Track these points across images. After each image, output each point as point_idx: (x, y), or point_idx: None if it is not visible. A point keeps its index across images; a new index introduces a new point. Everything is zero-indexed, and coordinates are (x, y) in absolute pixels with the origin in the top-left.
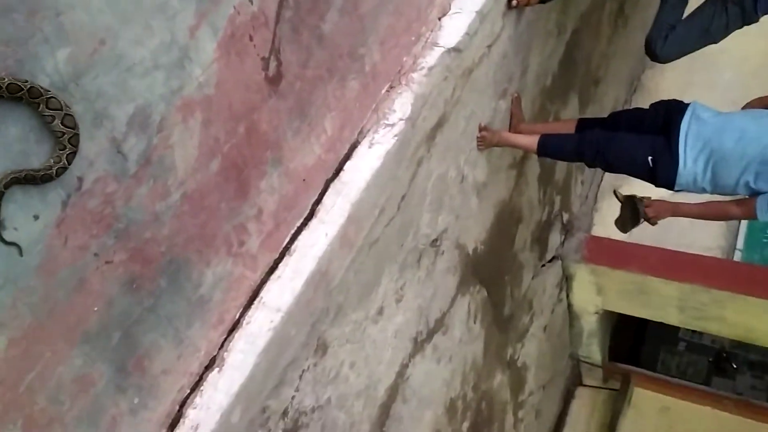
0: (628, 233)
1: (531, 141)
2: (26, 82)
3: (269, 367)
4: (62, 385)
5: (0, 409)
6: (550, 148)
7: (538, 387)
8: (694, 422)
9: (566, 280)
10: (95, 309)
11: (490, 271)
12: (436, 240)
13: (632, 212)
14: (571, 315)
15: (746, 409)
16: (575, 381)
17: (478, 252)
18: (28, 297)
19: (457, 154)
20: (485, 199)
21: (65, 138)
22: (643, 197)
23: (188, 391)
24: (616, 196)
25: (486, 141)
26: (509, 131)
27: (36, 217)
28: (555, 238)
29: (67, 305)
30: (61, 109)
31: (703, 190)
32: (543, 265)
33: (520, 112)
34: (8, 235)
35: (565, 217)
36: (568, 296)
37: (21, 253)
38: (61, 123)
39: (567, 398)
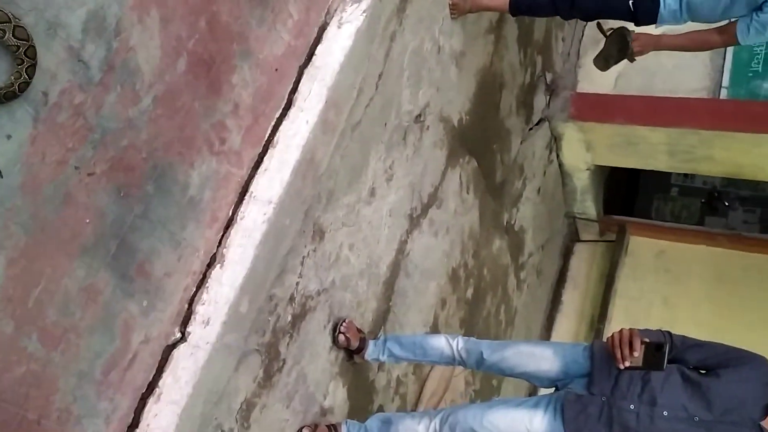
0: (607, 71)
1: (503, 0)
2: None
3: (269, 257)
4: (69, 296)
5: (13, 325)
6: (523, 4)
7: (537, 248)
8: (690, 260)
9: (555, 140)
10: (87, 221)
11: (478, 141)
12: (419, 115)
13: (619, 46)
14: (563, 174)
15: (739, 242)
16: (573, 238)
17: (464, 123)
18: (17, 216)
19: (430, 24)
20: (465, 68)
21: (21, 51)
22: (630, 30)
23: (194, 289)
24: (601, 31)
25: (459, 8)
26: None
27: (9, 137)
28: (540, 99)
29: (58, 220)
30: (9, 22)
31: (685, 22)
32: (530, 129)
33: None
34: None
35: (549, 77)
36: (558, 156)
37: (1, 175)
38: (13, 36)
39: (566, 255)
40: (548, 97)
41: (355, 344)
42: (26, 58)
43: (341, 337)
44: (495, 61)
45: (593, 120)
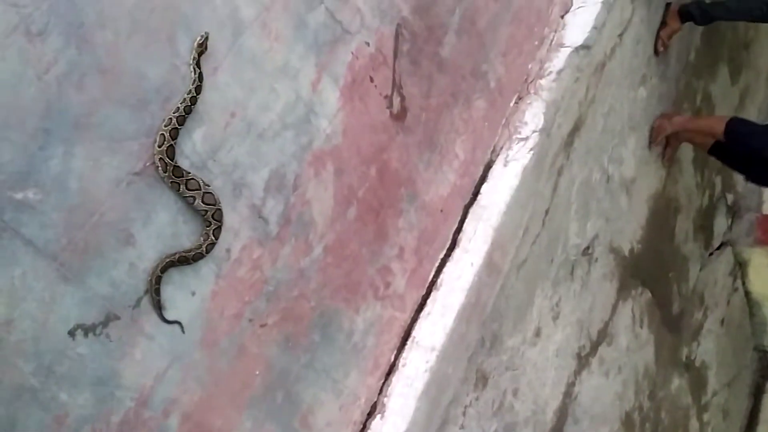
0: None
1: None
2: (173, 161)
3: (431, 409)
4: None
5: None
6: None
7: (722, 386)
8: None
9: (739, 266)
10: (257, 373)
11: (652, 270)
12: (587, 248)
13: None
14: (750, 303)
15: None
16: (764, 373)
17: (635, 252)
18: (194, 371)
19: (599, 154)
20: (636, 195)
21: (209, 215)
22: None
23: None
24: None
25: (662, 132)
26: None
27: (193, 294)
28: (721, 222)
29: (231, 373)
30: (200, 189)
31: None
32: (711, 254)
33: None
34: (169, 315)
35: (730, 198)
36: (744, 284)
37: (183, 330)
38: (203, 201)
39: (757, 393)
40: (730, 220)
41: None
42: (213, 220)
43: None
44: (669, 184)
45: None
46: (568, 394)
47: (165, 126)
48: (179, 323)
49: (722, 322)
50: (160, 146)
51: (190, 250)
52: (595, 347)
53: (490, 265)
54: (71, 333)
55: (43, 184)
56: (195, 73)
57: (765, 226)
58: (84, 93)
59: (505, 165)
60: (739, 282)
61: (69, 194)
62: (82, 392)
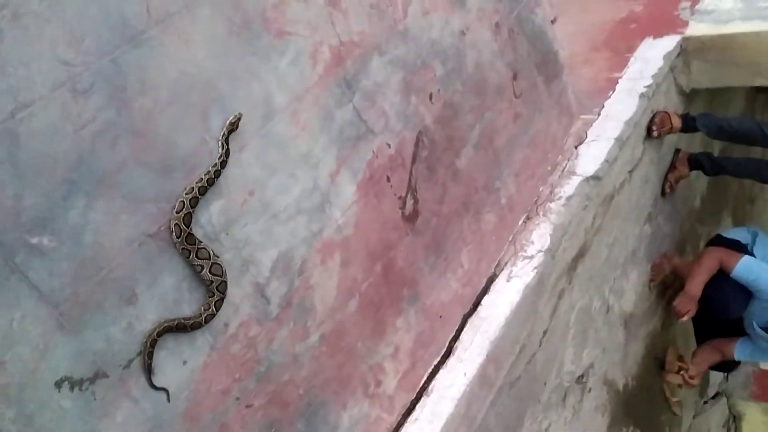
0: None
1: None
2: (188, 228)
3: None
4: None
5: None
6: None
7: None
8: None
9: (734, 419)
10: None
11: (645, 410)
12: (581, 376)
13: None
14: None
15: None
16: None
17: (630, 388)
18: None
19: (600, 283)
20: (634, 331)
21: (214, 285)
22: None
23: None
24: None
25: (662, 270)
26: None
27: (184, 362)
28: (716, 372)
29: None
30: (209, 259)
31: None
32: (705, 402)
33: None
34: (158, 381)
35: None
36: None
37: (169, 399)
38: (209, 272)
39: None
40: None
41: None
42: (217, 291)
43: None
44: (667, 325)
45: None
46: None
47: (186, 194)
48: (166, 391)
49: None
50: (178, 212)
51: (189, 318)
52: None
53: (483, 378)
54: (58, 384)
55: (59, 232)
56: (222, 149)
57: (762, 380)
58: (115, 152)
59: (508, 280)
60: None
61: (82, 246)
62: None
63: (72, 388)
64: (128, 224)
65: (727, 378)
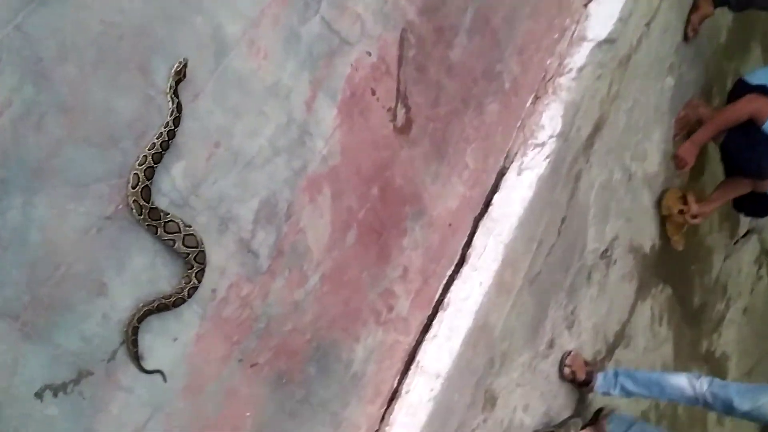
0: None
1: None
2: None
3: None
4: None
5: None
6: None
7: (742, 374)
8: None
9: (765, 254)
10: (247, 414)
11: (673, 266)
12: (606, 251)
13: None
14: None
15: None
16: None
17: (656, 249)
18: (178, 420)
19: (621, 153)
20: (659, 190)
21: (191, 257)
22: None
23: None
24: None
25: (688, 120)
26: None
27: (174, 339)
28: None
29: (219, 418)
30: (180, 231)
31: None
32: (736, 243)
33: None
34: (150, 364)
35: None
36: None
37: (165, 379)
38: (183, 245)
39: None
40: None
41: (581, 377)
42: (196, 263)
43: (566, 370)
44: (694, 175)
45: None
46: (582, 401)
47: (139, 165)
48: (161, 372)
49: (744, 311)
50: (134, 187)
51: (170, 296)
52: (611, 350)
53: (500, 285)
54: (38, 395)
55: None
56: (173, 103)
57: None
58: (44, 135)
59: (519, 174)
60: (764, 270)
61: (30, 248)
62: None
63: (55, 394)
64: (78, 212)
65: None
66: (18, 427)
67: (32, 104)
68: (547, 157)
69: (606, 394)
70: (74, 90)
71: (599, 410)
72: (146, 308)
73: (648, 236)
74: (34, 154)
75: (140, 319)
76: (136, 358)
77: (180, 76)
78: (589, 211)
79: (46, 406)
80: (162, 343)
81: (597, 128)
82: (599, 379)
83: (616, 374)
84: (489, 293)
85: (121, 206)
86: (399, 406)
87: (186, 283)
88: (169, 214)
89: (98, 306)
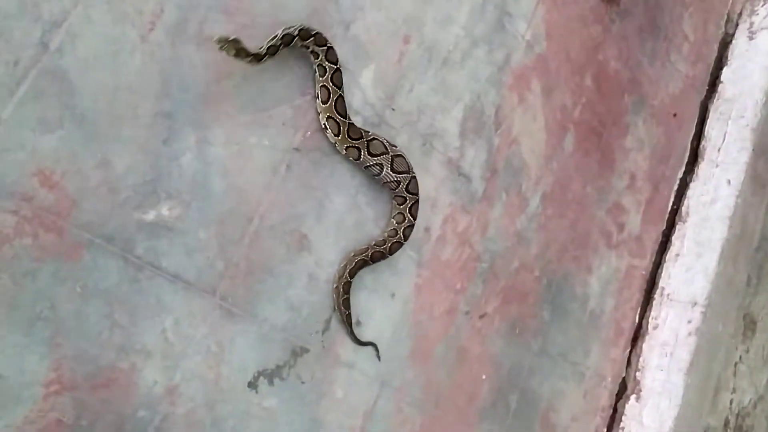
0: None
1: None
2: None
3: (703, 382)
4: None
5: None
6: None
7: None
8: None
9: None
10: (483, 377)
11: None
12: None
13: None
14: None
15: None
16: None
17: None
18: (409, 394)
19: None
20: None
21: (402, 187)
22: None
23: (604, 430)
24: None
25: None
26: None
27: (393, 296)
28: None
29: (453, 386)
30: (387, 152)
31: None
32: None
33: None
34: (367, 330)
35: None
36: None
37: (379, 357)
38: (392, 170)
39: None
40: None
41: None
42: (408, 194)
43: None
44: None
45: None
46: None
47: (321, 76)
48: (374, 345)
49: None
50: (325, 101)
51: (383, 242)
52: None
53: (754, 179)
54: (252, 384)
55: (177, 192)
56: None
57: None
58: (207, 48)
59: (750, 38)
60: None
61: (214, 200)
62: None
63: (271, 381)
64: (262, 145)
65: None
66: (236, 427)
67: (188, 8)
68: None
69: None
70: None
71: None
72: (359, 258)
73: None
74: (200, 76)
75: (352, 273)
76: (349, 323)
77: None
78: None
79: (263, 397)
80: (379, 302)
81: None
82: None
83: None
84: (743, 192)
85: (309, 132)
86: (647, 345)
87: (399, 222)
88: (369, 132)
89: (301, 264)
